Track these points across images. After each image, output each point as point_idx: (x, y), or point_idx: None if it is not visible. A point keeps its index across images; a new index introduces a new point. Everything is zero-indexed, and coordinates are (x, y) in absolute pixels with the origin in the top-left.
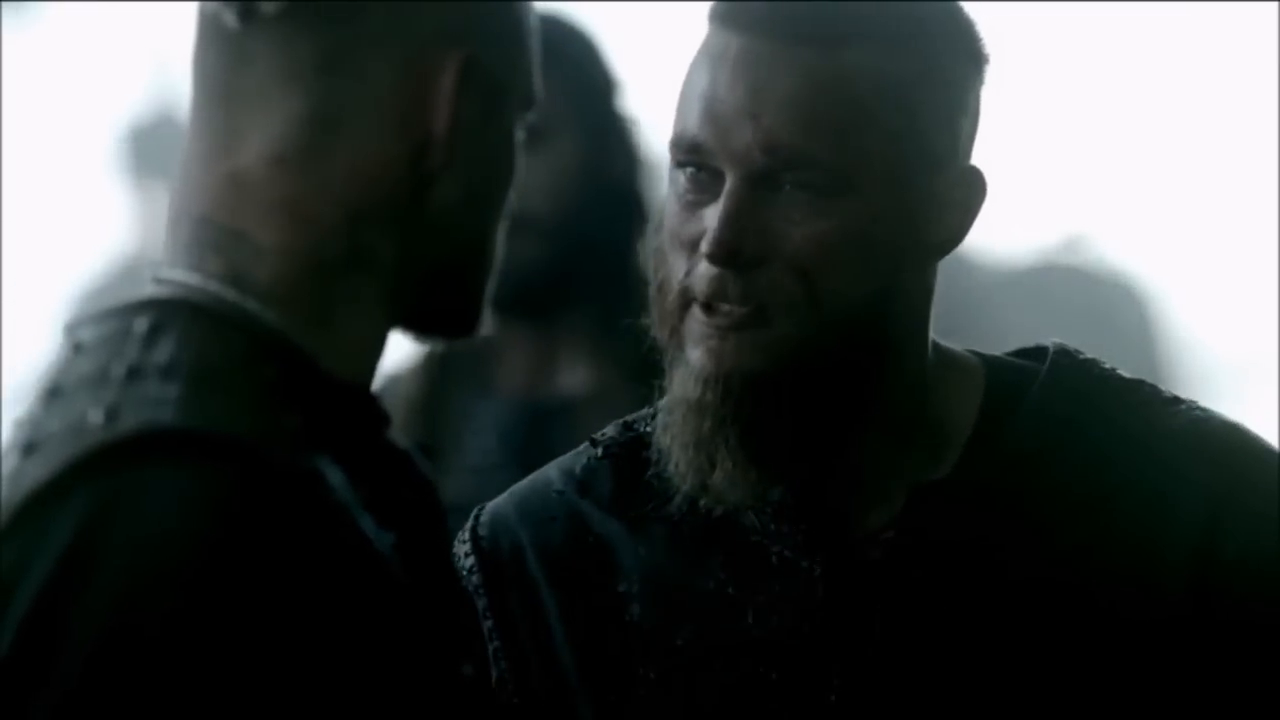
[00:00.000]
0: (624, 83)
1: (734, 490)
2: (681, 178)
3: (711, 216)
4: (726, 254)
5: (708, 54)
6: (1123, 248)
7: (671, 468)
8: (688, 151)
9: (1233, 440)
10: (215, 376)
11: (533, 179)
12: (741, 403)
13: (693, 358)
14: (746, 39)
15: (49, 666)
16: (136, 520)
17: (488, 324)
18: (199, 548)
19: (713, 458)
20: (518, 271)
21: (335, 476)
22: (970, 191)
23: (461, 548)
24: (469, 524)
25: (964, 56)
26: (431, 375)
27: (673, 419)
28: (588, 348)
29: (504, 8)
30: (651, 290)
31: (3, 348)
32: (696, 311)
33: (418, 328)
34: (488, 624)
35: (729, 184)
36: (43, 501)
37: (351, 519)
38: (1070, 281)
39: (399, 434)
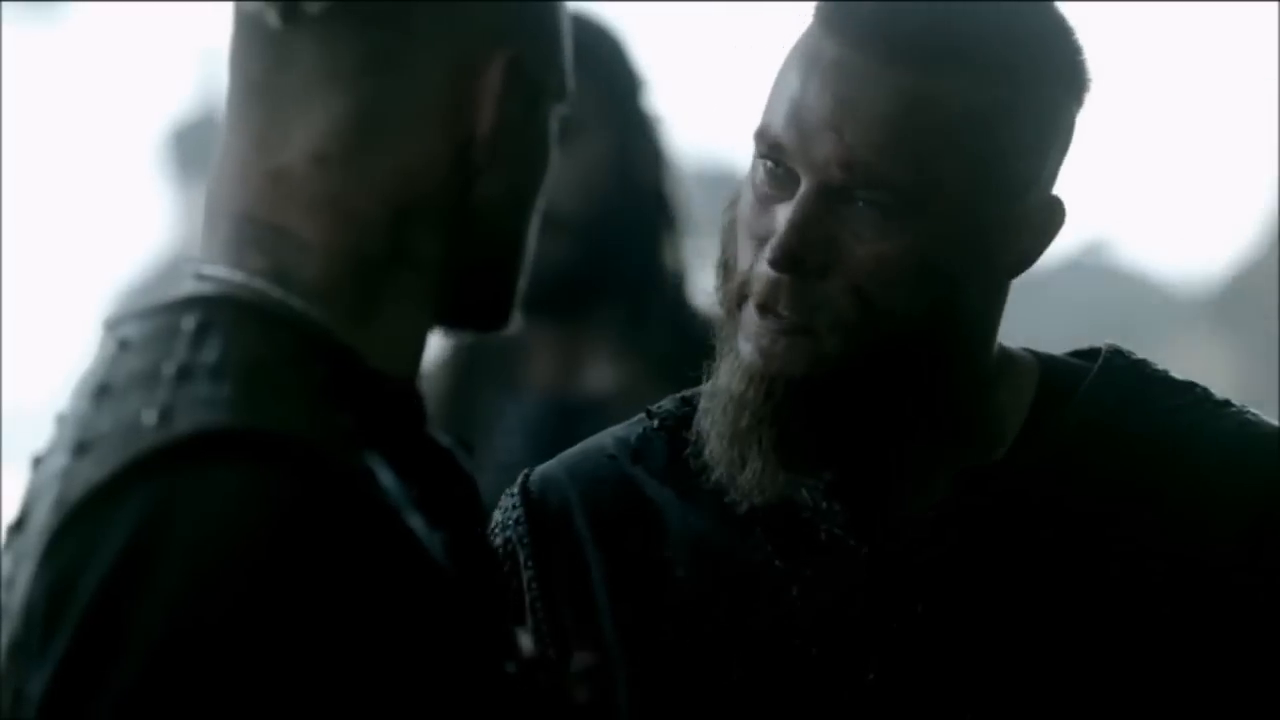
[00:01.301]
0: (651, 81)
1: (760, 490)
2: (761, 169)
3: (782, 216)
4: (789, 262)
5: (803, 55)
6: (1145, 253)
7: (707, 454)
8: (770, 148)
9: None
10: (266, 376)
11: (559, 178)
12: (781, 406)
13: (744, 351)
14: (843, 50)
15: (108, 665)
16: (194, 520)
17: (516, 319)
18: (256, 547)
19: (745, 455)
20: (544, 270)
21: (386, 476)
22: (1047, 219)
23: (509, 500)
24: (518, 481)
25: (1062, 84)
26: (458, 373)
27: (714, 406)
28: (614, 346)
29: (544, 7)
30: (718, 263)
31: (49, 348)
32: (750, 307)
33: (452, 322)
34: (528, 574)
35: (802, 191)
36: (99, 502)
37: (403, 519)
38: (1093, 286)
39: (440, 431)
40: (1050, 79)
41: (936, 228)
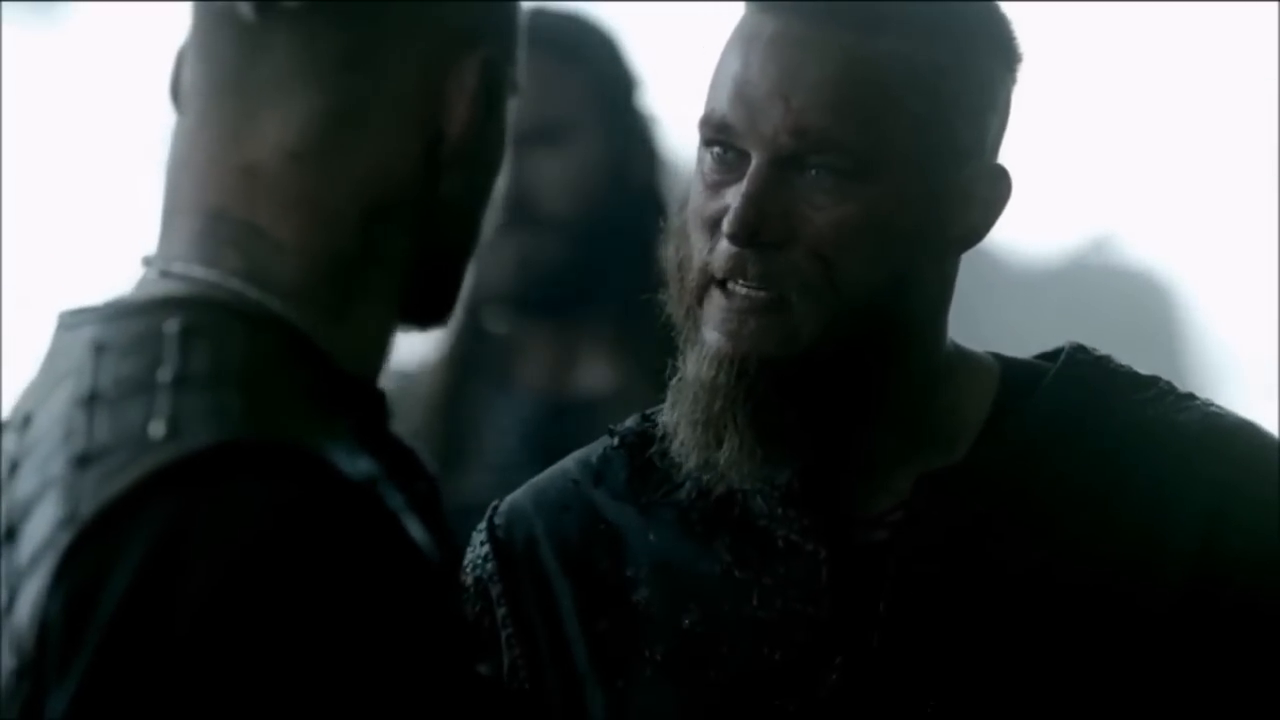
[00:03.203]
0: (645, 81)
1: (738, 469)
2: (708, 157)
3: (734, 196)
4: (748, 233)
5: (741, 35)
6: (1150, 249)
7: (677, 445)
8: (716, 130)
9: (1242, 435)
10: (262, 383)
11: (554, 177)
12: (754, 385)
13: (709, 339)
14: (781, 22)
15: (133, 682)
16: (215, 534)
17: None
18: (278, 560)
19: (720, 436)
20: (539, 270)
21: (386, 484)
22: (995, 188)
23: (477, 538)
24: (487, 515)
25: (996, 53)
26: (452, 373)
27: (682, 397)
28: (609, 346)
29: (510, 6)
30: (670, 268)
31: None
32: (715, 293)
33: (405, 319)
34: (501, 611)
35: (754, 164)
36: (115, 517)
37: (403, 526)
38: (1097, 283)
39: (403, 430)
40: (984, 46)
41: (890, 192)
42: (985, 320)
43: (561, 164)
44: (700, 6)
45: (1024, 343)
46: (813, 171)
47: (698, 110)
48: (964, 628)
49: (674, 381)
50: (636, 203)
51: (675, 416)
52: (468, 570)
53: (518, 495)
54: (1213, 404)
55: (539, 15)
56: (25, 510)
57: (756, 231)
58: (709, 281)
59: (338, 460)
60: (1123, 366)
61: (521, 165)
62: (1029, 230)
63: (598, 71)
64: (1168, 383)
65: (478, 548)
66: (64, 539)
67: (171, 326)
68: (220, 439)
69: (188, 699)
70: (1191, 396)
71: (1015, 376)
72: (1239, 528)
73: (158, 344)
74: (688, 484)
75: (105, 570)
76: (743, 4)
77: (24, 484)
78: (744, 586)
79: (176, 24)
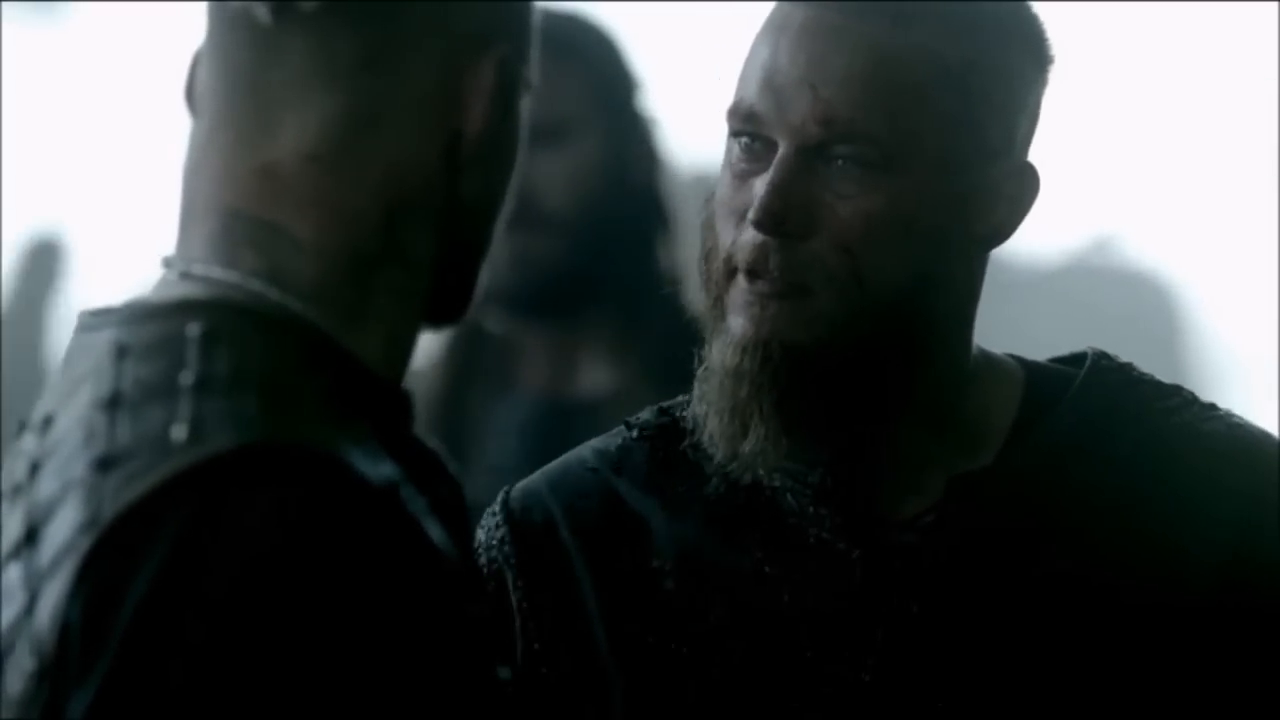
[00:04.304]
0: (645, 82)
1: (764, 459)
2: (736, 147)
3: (761, 185)
4: (772, 222)
5: (772, 25)
6: (1152, 250)
7: (705, 436)
8: (744, 120)
9: (1267, 447)
10: (282, 386)
11: (554, 178)
12: (778, 372)
13: (734, 325)
14: (812, 11)
15: (152, 685)
16: (235, 537)
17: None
18: (298, 563)
19: (746, 424)
20: (539, 270)
21: (407, 487)
22: (1022, 186)
23: (492, 520)
24: (499, 499)
25: (1027, 53)
26: (452, 374)
27: (709, 386)
28: (609, 347)
29: (523, 6)
30: (699, 258)
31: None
32: (740, 280)
33: (426, 319)
34: (517, 594)
35: (780, 153)
36: (136, 520)
37: (424, 531)
38: (1099, 283)
39: (426, 433)
40: (1015, 44)
41: (917, 187)
42: (987, 320)
43: (560, 164)
44: (700, 7)
45: (1027, 343)
46: (839, 162)
47: (698, 110)
48: (992, 630)
49: (700, 372)
50: (636, 203)
51: (703, 408)
52: (480, 551)
53: (531, 480)
54: (1234, 414)
55: (539, 15)
56: (47, 512)
57: (782, 220)
58: (734, 270)
59: (359, 464)
60: (1145, 375)
61: (520, 165)
62: (1032, 230)
63: (597, 72)
64: (1190, 392)
65: (493, 530)
66: (85, 542)
67: (193, 330)
68: (241, 443)
69: (207, 703)
70: (1214, 406)
71: (1040, 381)
72: (1271, 539)
73: (179, 347)
74: (714, 479)
75: (126, 574)
76: (740, 4)
77: (45, 486)
78: (774, 583)
79: (177, 23)
